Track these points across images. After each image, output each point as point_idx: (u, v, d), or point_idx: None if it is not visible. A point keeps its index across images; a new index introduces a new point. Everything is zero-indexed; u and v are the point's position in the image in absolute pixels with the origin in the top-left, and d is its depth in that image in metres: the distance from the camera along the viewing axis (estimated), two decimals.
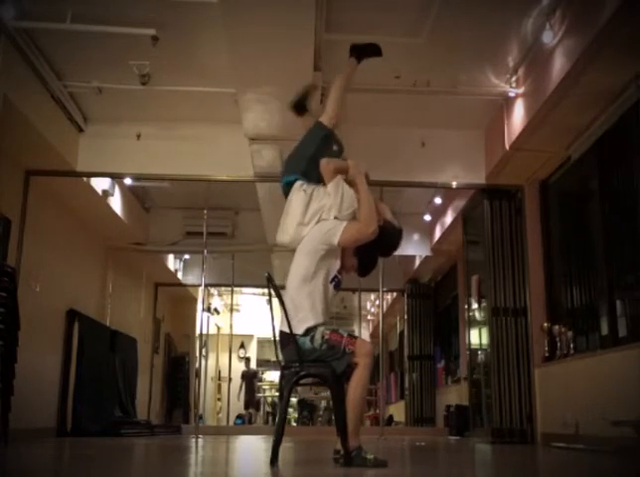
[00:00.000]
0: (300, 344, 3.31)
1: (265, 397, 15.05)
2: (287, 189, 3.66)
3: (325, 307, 3.41)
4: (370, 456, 3.22)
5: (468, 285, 8.06)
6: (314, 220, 3.52)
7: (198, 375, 12.77)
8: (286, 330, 3.34)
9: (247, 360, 16.22)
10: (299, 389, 11.69)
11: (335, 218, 3.49)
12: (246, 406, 14.71)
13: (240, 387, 14.82)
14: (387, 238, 3.60)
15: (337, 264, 3.48)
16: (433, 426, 10.92)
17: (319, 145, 3.70)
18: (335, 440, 3.42)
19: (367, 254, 3.61)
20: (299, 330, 3.32)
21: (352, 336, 3.34)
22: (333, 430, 3.44)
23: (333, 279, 3.45)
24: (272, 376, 16.02)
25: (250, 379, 15.04)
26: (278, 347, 3.47)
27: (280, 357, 3.47)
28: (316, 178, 3.61)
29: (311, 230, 3.51)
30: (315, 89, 4.29)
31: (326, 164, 3.59)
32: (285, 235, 3.60)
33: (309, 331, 3.32)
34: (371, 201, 3.50)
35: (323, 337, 3.30)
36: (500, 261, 7.14)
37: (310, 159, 3.64)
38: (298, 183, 3.61)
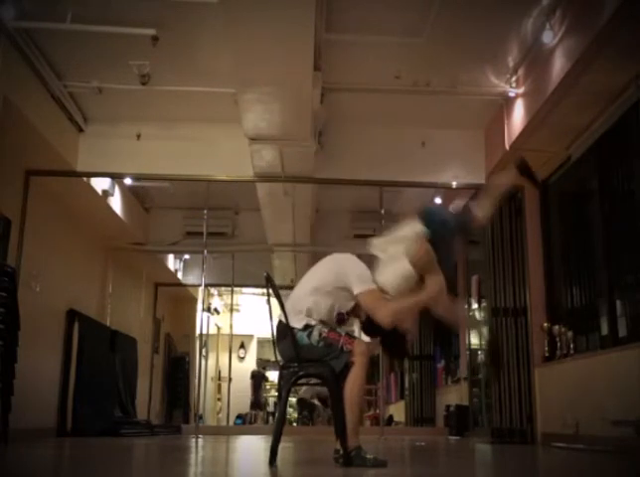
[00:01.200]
0: (298, 338, 3.30)
1: (267, 397, 15.05)
2: (422, 216, 3.55)
3: (320, 321, 3.36)
4: (369, 456, 3.21)
5: (468, 285, 8.06)
6: (391, 250, 3.44)
7: (198, 375, 12.76)
8: (284, 320, 3.33)
9: (261, 360, 16.17)
10: (300, 388, 11.68)
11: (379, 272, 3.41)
12: (252, 406, 14.71)
13: (251, 386, 14.83)
14: (395, 345, 3.56)
15: (348, 305, 3.39)
16: (433, 426, 10.90)
17: (449, 262, 3.61)
18: (335, 440, 3.41)
19: (372, 329, 3.48)
20: (297, 325, 3.31)
21: (350, 335, 3.33)
22: (333, 430, 3.43)
23: (339, 314, 3.39)
24: (272, 376, 16.02)
25: (260, 380, 15.05)
26: (276, 341, 3.44)
27: (279, 357, 3.46)
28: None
29: (353, 258, 3.45)
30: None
31: (422, 250, 3.39)
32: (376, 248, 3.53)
33: (307, 327, 3.31)
34: (411, 308, 3.39)
35: (321, 334, 3.29)
36: (500, 261, 7.13)
37: (446, 251, 3.53)
38: (422, 232, 3.46)
